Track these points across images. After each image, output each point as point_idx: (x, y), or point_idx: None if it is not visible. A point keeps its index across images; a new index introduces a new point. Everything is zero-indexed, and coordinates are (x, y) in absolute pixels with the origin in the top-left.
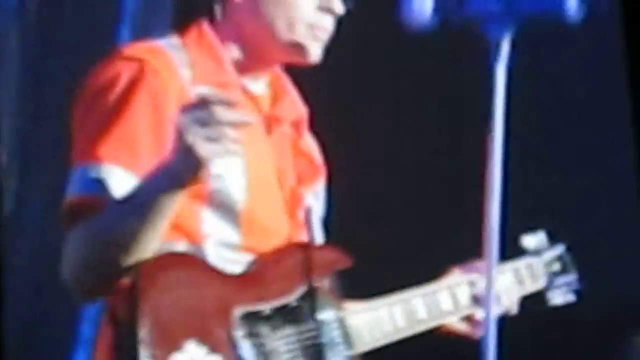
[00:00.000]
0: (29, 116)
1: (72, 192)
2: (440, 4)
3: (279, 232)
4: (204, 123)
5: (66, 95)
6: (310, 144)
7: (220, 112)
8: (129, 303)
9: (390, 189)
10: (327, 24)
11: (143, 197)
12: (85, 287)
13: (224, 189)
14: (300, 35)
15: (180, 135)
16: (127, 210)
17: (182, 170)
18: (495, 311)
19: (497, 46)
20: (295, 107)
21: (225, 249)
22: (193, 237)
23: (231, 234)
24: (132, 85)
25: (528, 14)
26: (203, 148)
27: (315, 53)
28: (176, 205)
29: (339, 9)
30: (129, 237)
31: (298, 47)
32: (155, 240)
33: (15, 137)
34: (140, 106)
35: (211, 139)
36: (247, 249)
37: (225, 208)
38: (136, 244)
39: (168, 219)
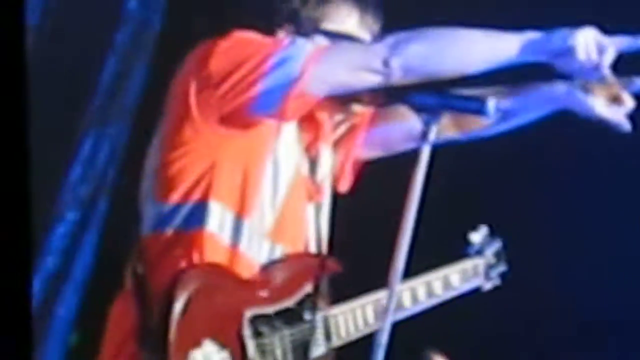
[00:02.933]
0: None
1: None
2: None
3: (297, 231)
4: None
5: None
6: None
7: None
8: (164, 304)
9: None
10: None
11: None
12: None
13: (277, 168)
14: None
15: None
16: None
17: None
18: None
19: (427, 130)
20: None
21: (256, 234)
22: (243, 208)
23: (269, 218)
24: None
25: (456, 111)
26: None
27: None
28: None
29: None
30: None
31: None
32: None
33: None
34: None
35: None
36: (272, 236)
37: (274, 190)
38: None
39: None
